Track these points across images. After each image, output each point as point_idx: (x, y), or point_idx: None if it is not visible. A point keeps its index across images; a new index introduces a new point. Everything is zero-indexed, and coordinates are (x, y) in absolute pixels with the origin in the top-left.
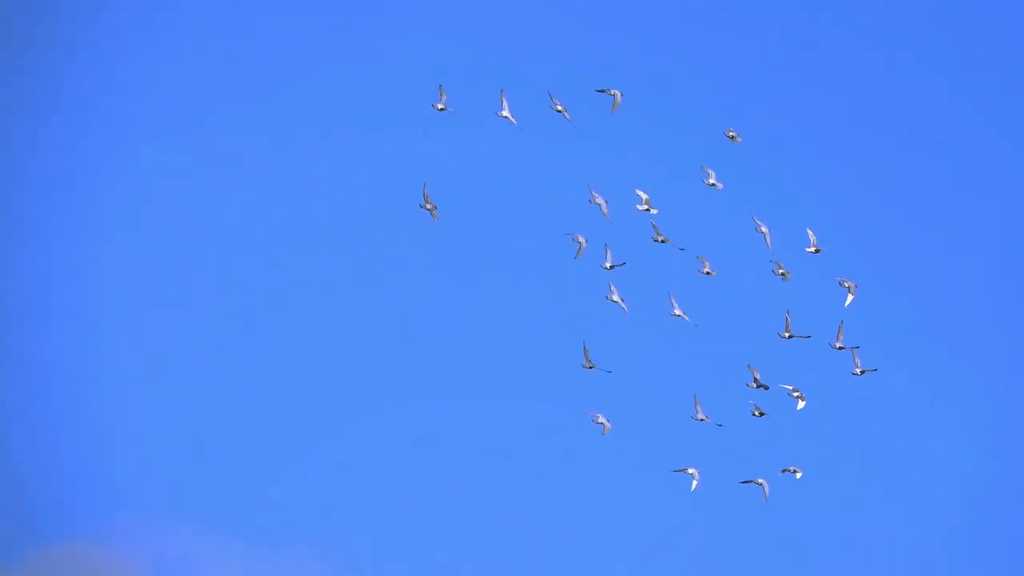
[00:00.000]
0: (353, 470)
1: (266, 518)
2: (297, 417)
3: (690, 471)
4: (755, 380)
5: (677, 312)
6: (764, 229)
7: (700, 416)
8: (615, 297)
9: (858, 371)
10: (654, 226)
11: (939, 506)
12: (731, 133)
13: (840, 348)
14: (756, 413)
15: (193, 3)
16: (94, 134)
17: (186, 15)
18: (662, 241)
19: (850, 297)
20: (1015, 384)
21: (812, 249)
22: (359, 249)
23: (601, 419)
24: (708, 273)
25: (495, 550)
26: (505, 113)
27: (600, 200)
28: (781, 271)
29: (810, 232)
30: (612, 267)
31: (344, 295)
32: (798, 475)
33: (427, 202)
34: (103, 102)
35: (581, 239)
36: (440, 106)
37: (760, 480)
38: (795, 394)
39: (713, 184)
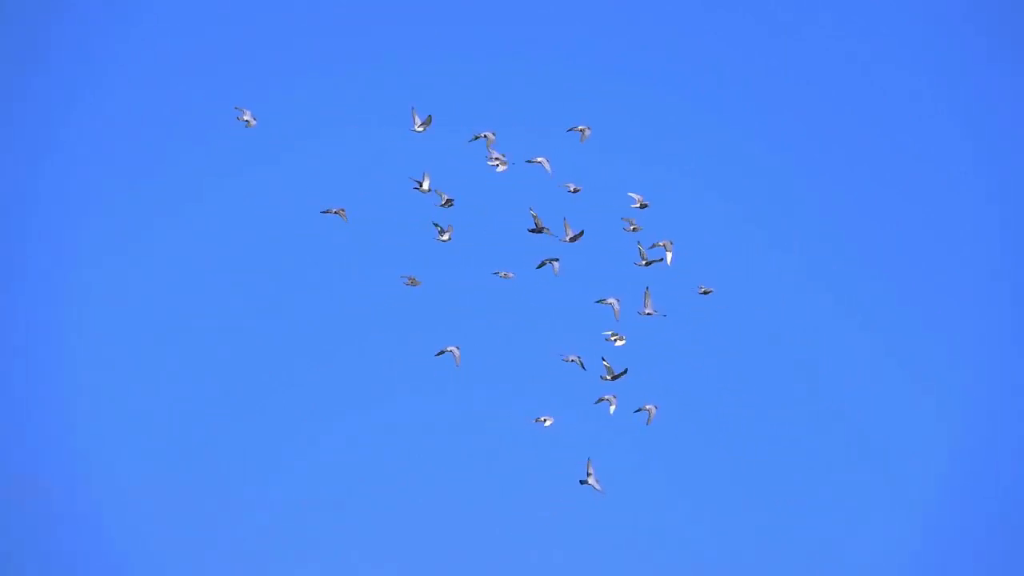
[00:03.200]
0: (336, 469)
1: (248, 517)
2: (278, 414)
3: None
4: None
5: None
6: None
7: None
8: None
9: (646, 311)
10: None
11: (917, 492)
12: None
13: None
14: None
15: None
16: (78, 135)
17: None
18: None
19: (669, 255)
20: (993, 370)
21: (637, 205)
22: (337, 246)
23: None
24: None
25: (478, 548)
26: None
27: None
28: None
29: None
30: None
31: (324, 291)
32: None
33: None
34: (86, 103)
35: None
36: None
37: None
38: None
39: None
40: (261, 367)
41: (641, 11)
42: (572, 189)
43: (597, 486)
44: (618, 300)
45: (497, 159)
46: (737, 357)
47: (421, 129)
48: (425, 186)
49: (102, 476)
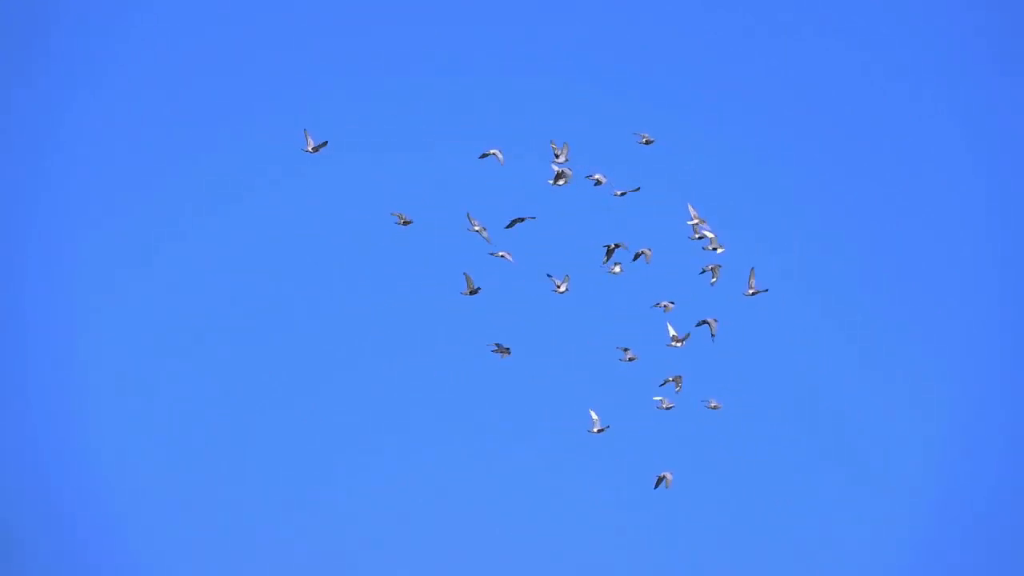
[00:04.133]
0: (352, 510)
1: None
2: (301, 427)
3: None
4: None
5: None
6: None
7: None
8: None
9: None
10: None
11: (903, 494)
12: (644, 138)
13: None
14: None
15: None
16: (99, 138)
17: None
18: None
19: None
20: (979, 370)
21: (694, 222)
22: (373, 256)
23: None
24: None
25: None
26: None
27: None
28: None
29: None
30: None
31: (350, 300)
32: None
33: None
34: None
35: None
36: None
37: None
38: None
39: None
40: (287, 381)
41: (650, 17)
42: (596, 181)
43: (670, 481)
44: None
45: (560, 174)
46: (734, 363)
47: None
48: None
49: (118, 490)
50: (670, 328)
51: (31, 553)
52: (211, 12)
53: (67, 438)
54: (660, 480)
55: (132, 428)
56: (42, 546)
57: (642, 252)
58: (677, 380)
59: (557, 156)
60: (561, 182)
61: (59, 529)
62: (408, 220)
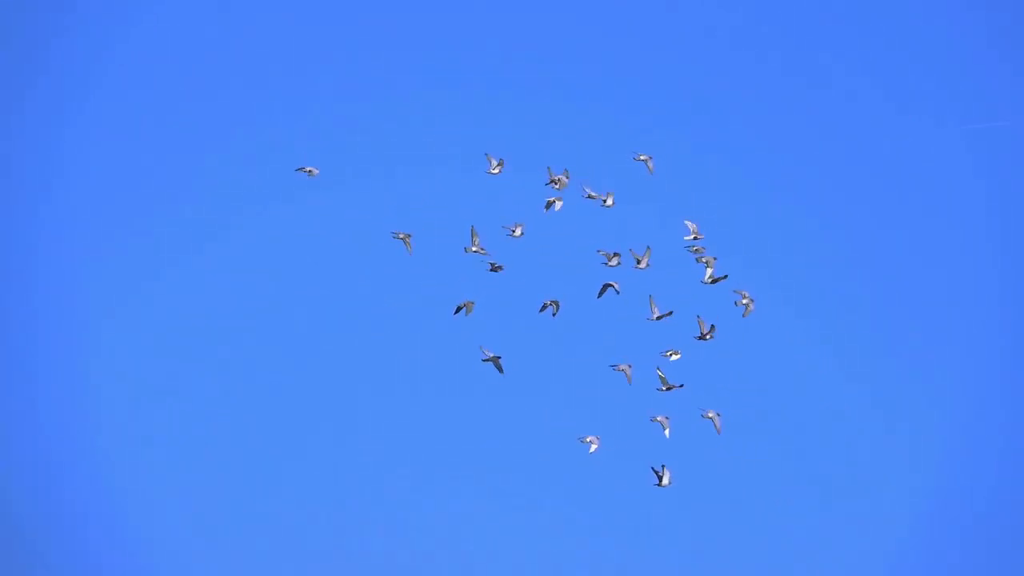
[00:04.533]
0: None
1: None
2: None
3: (589, 439)
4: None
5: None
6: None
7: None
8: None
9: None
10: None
11: (890, 516)
12: (642, 157)
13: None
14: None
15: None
16: (113, 150)
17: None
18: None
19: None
20: (968, 392)
21: (692, 237)
22: (372, 270)
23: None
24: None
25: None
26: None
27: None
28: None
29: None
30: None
31: (353, 311)
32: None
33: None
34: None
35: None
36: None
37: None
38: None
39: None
40: (295, 387)
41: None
42: (596, 198)
43: (667, 479)
44: (630, 366)
45: (555, 199)
46: (734, 365)
47: (497, 171)
48: (518, 232)
49: (130, 494)
50: (660, 374)
51: (44, 556)
52: (220, 29)
53: (79, 443)
54: (659, 475)
55: (143, 433)
56: (54, 548)
57: (611, 285)
58: (667, 381)
59: (554, 183)
60: (558, 204)
61: (71, 530)
62: (406, 236)
